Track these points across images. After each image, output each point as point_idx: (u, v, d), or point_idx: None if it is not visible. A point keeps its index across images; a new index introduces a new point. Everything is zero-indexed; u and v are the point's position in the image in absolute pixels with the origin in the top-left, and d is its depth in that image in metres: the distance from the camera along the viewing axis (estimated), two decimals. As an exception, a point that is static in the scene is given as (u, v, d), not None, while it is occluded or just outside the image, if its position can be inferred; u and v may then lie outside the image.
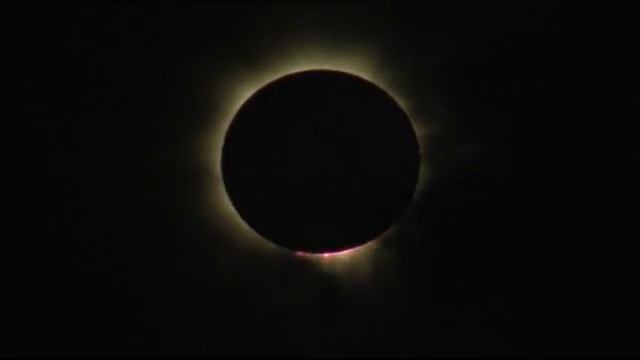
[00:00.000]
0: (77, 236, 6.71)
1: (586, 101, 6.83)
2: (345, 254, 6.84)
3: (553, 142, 6.83)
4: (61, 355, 6.64)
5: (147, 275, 6.74)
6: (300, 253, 6.85)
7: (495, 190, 6.81)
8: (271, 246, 6.84)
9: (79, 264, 6.70)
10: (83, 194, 6.73)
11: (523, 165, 6.80)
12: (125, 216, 6.74)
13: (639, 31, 6.87)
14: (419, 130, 6.83)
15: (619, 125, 6.84)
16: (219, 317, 6.77)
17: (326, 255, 6.85)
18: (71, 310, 6.68)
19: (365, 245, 6.82)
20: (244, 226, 6.82)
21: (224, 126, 6.85)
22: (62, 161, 6.73)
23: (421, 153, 6.83)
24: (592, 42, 6.85)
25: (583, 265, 6.77)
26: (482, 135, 6.79)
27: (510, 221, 6.80)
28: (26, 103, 6.73)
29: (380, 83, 6.84)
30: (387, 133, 6.81)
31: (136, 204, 6.76)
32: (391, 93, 6.84)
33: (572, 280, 6.77)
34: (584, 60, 6.85)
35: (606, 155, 6.82)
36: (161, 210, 6.77)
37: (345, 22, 6.79)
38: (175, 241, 6.78)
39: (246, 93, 6.86)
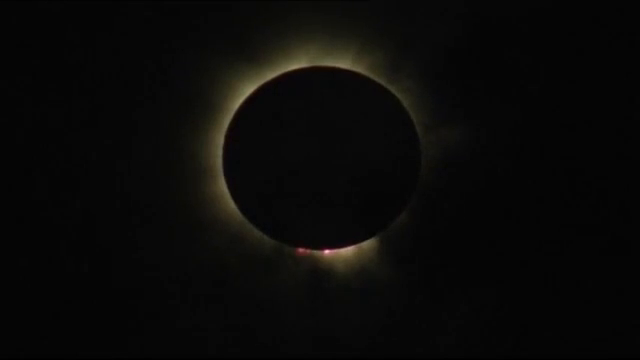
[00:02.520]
0: (77, 233, 6.75)
1: (575, 83, 6.76)
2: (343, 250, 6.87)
3: (541, 125, 6.77)
4: (60, 353, 6.70)
5: (147, 273, 6.78)
6: (301, 250, 6.87)
7: (482, 175, 6.77)
8: (272, 242, 6.85)
9: (78, 258, 6.75)
10: (85, 191, 6.76)
11: (511, 150, 6.75)
12: (127, 214, 6.77)
13: (629, 12, 6.78)
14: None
15: (610, 107, 6.77)
16: (217, 314, 6.81)
17: (327, 252, 6.87)
18: (69, 304, 6.73)
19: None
20: (245, 223, 6.83)
21: (225, 122, 6.85)
22: (63, 160, 6.76)
23: (422, 150, 6.82)
24: (580, 23, 6.76)
25: (577, 254, 6.74)
26: (467, 119, 6.75)
27: (503, 211, 6.77)
28: (27, 103, 6.75)
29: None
30: (388, 130, 6.79)
31: (138, 201, 6.79)
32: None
33: (568, 272, 6.76)
34: (571, 42, 6.77)
35: (597, 136, 6.75)
36: (162, 208, 6.80)
37: (343, 17, 6.78)
38: (175, 238, 6.81)
39: (246, 90, 6.86)
